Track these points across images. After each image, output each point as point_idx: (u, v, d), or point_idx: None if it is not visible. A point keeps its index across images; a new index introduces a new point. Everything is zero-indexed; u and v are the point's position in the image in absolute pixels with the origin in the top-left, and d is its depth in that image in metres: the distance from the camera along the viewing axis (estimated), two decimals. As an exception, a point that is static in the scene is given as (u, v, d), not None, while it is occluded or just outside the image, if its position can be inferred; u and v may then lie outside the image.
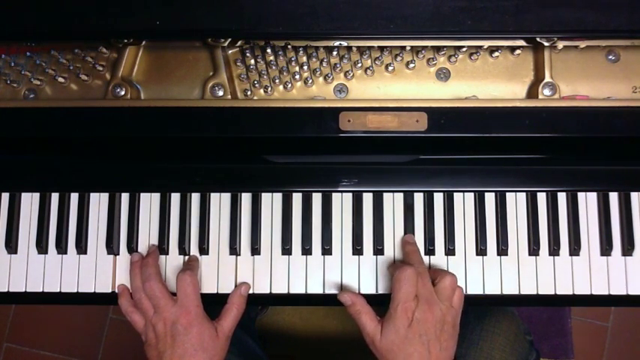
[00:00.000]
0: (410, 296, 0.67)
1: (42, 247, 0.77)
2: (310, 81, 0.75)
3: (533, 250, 0.76)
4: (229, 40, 0.73)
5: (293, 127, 0.71)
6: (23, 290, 0.77)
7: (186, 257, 0.77)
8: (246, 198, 0.78)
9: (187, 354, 0.68)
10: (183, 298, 0.71)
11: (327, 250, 0.76)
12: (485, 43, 0.74)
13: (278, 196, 0.78)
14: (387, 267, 0.76)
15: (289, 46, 0.74)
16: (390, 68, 0.75)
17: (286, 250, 0.77)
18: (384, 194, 0.77)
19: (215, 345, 0.70)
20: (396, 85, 0.75)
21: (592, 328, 1.50)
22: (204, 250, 0.77)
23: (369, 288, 0.76)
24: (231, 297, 0.74)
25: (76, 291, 0.77)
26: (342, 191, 0.77)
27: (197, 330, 0.69)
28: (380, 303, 0.73)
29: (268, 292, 0.76)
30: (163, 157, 0.76)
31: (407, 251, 0.74)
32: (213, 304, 0.75)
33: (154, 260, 0.74)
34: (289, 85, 0.75)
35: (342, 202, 0.78)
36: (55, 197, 0.78)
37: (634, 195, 0.78)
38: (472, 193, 0.78)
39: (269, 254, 0.77)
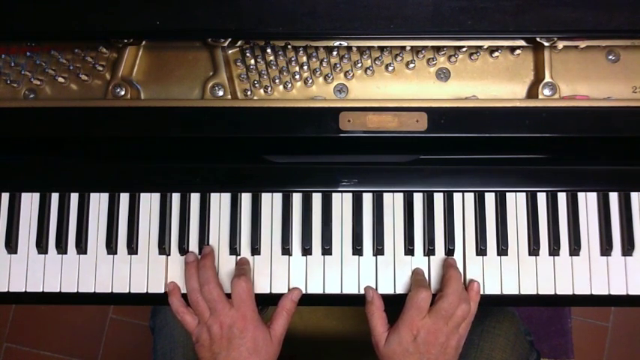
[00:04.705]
0: (416, 319, 0.69)
1: (42, 247, 0.77)
2: (310, 81, 0.75)
3: (533, 250, 0.76)
4: (229, 40, 0.73)
5: (293, 127, 0.71)
6: (23, 290, 0.77)
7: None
8: (246, 198, 0.78)
9: (242, 357, 0.69)
10: (240, 303, 0.71)
11: (327, 250, 0.76)
12: (485, 43, 0.74)
13: (278, 196, 0.78)
14: (412, 269, 0.76)
15: (289, 46, 0.74)
16: (390, 68, 0.75)
17: (286, 250, 0.77)
18: (384, 194, 0.77)
19: (268, 349, 0.71)
20: (396, 85, 0.75)
21: (592, 328, 1.50)
22: (204, 250, 0.77)
23: (369, 288, 0.76)
24: (282, 302, 0.74)
25: (76, 291, 0.77)
26: (342, 191, 0.77)
27: (252, 334, 0.70)
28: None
29: (268, 292, 0.76)
30: (163, 157, 0.76)
31: (448, 276, 0.73)
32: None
33: (211, 262, 0.74)
34: (289, 85, 0.75)
35: (342, 202, 0.78)
36: (55, 197, 0.78)
37: (634, 195, 0.77)
38: (472, 193, 0.78)
39: (269, 254, 0.77)
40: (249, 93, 0.75)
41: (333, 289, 0.76)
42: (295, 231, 0.77)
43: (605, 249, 0.76)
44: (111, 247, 0.77)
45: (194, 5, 0.68)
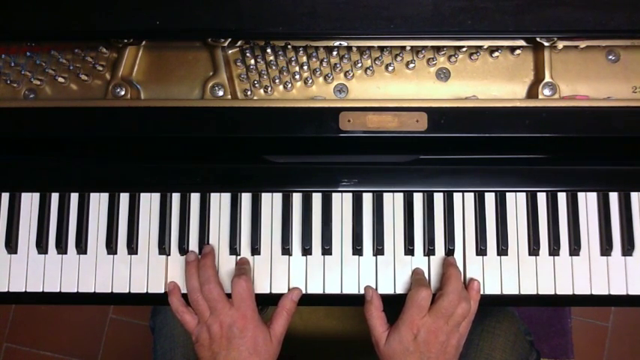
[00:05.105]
0: (417, 318, 0.69)
1: (42, 247, 0.77)
2: (310, 81, 0.75)
3: (533, 250, 0.76)
4: (229, 40, 0.73)
5: (293, 127, 0.71)
6: (23, 290, 0.77)
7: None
8: (246, 198, 0.78)
9: (242, 356, 0.69)
10: (240, 303, 0.71)
11: (327, 250, 0.76)
12: (485, 43, 0.74)
13: (278, 196, 0.78)
14: (412, 269, 0.76)
15: (289, 46, 0.74)
16: (390, 68, 0.75)
17: (286, 250, 0.77)
18: (384, 194, 0.77)
19: (268, 349, 0.71)
20: (396, 85, 0.75)
21: (592, 328, 1.50)
22: (204, 250, 0.77)
23: (369, 288, 0.76)
24: (282, 301, 0.74)
25: (76, 291, 0.77)
26: (342, 191, 0.77)
27: (252, 334, 0.70)
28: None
29: (268, 292, 0.76)
30: (163, 157, 0.76)
31: (448, 274, 0.73)
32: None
33: (212, 262, 0.74)
34: (289, 85, 0.75)
35: (342, 202, 0.78)
36: (55, 197, 0.78)
37: (634, 195, 0.77)
38: (472, 193, 0.78)
39: (269, 254, 0.77)
40: (249, 93, 0.75)
41: (333, 289, 0.76)
42: (295, 231, 0.77)
43: (605, 249, 0.76)
44: (111, 247, 0.77)
45: (194, 5, 0.68)
